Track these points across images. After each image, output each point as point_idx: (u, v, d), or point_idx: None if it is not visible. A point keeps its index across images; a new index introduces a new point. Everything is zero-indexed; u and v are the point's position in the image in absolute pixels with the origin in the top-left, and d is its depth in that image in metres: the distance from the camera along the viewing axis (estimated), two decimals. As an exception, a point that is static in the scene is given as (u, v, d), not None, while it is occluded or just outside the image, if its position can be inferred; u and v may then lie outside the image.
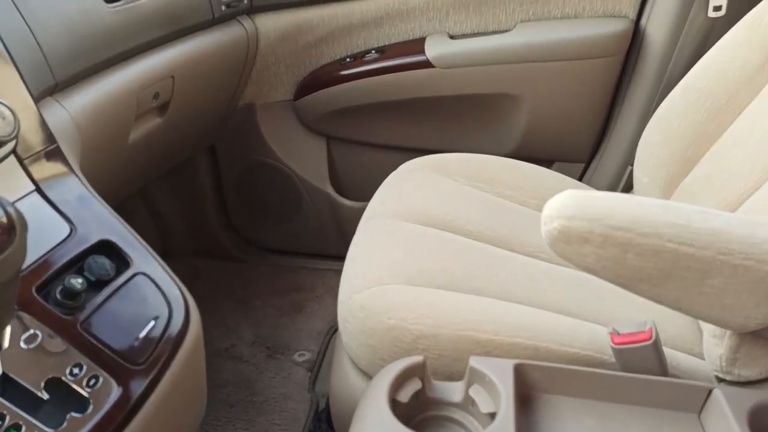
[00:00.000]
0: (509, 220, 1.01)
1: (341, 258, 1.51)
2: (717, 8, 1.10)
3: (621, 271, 0.59)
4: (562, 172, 1.34)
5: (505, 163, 1.16)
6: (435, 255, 0.88)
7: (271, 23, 1.30)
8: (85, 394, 0.52)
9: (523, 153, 1.33)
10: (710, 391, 0.62)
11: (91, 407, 0.51)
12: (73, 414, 0.50)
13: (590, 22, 1.23)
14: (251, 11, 1.27)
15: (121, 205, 1.32)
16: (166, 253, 1.60)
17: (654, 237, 0.57)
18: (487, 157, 1.18)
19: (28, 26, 0.72)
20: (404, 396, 0.63)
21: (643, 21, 1.21)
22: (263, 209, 1.53)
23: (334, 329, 1.33)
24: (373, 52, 1.32)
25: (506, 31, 1.27)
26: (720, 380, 0.69)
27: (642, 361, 0.66)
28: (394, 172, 1.14)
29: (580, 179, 1.38)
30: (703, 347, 0.73)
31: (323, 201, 1.47)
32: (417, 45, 1.29)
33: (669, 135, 1.00)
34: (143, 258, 0.66)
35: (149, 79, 0.97)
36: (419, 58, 1.27)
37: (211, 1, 1.13)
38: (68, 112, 0.78)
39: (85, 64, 0.83)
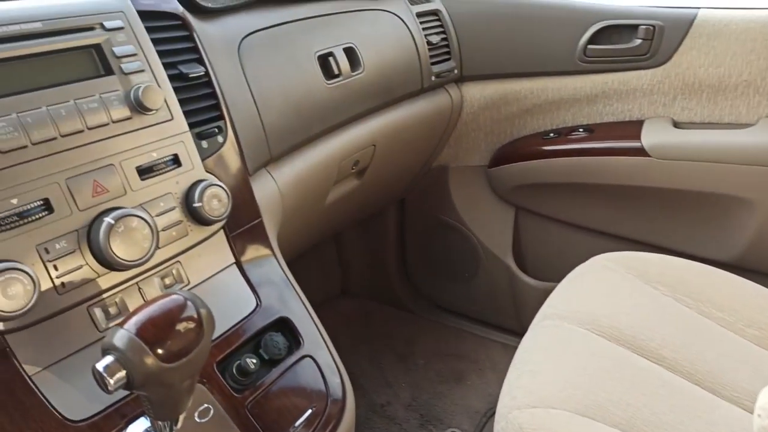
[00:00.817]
0: (716, 352, 0.86)
1: (511, 332, 1.44)
2: None
3: None
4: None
5: (722, 276, 0.99)
6: (616, 383, 0.78)
7: (477, 92, 1.29)
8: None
9: (746, 265, 1.14)
10: None
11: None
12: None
13: None
14: (460, 80, 1.28)
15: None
16: (345, 290, 1.68)
17: None
18: (699, 265, 1.02)
19: (257, 106, 0.80)
20: None
21: None
22: (440, 266, 1.53)
23: (491, 413, 1.27)
24: (581, 129, 1.23)
25: (746, 125, 1.10)
26: None
27: None
28: (584, 265, 1.05)
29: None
30: None
31: (502, 271, 1.42)
32: (632, 128, 1.18)
33: None
34: (314, 340, 0.69)
35: (352, 148, 1.02)
36: (633, 144, 1.15)
37: (422, 72, 1.15)
38: (276, 182, 0.84)
39: (299, 138, 0.89)
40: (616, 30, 1.17)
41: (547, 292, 0.97)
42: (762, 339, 0.87)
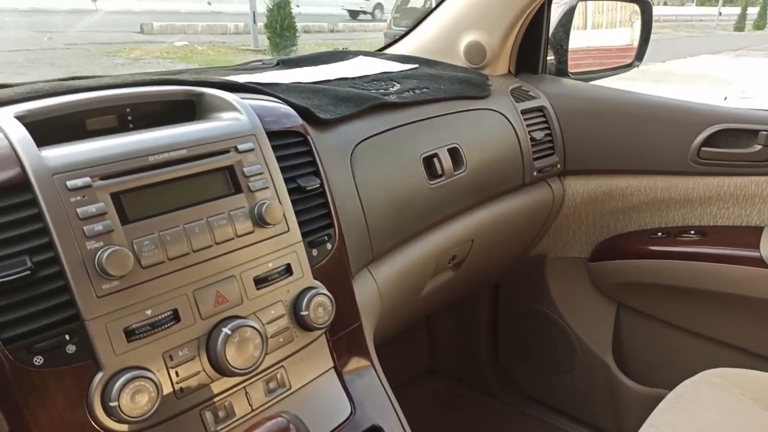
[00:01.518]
0: None
1: (606, 434, 1.34)
2: None
3: None
4: None
5: None
6: None
7: (580, 186, 1.27)
8: None
9: None
10: None
11: None
12: None
13: None
14: (562, 174, 1.27)
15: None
16: (433, 370, 1.66)
17: None
18: (826, 389, 0.92)
19: (363, 211, 0.84)
20: None
21: None
22: (534, 356, 1.49)
23: None
24: (693, 232, 1.17)
25: None
26: None
27: None
28: (693, 380, 0.98)
29: None
30: None
31: (600, 370, 1.35)
32: (750, 235, 1.10)
33: None
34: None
35: (450, 244, 1.03)
36: (751, 253, 1.08)
37: (525, 168, 1.15)
38: (376, 281, 0.87)
39: (401, 237, 0.92)
40: (734, 133, 1.12)
41: (648, 398, 0.92)
42: None
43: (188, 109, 0.75)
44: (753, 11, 23.13)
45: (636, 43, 1.47)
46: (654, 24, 1.51)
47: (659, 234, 1.22)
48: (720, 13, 24.70)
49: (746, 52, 13.33)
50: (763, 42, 15.31)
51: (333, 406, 0.70)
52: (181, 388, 0.58)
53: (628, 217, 1.27)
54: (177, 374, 0.58)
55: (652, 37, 1.51)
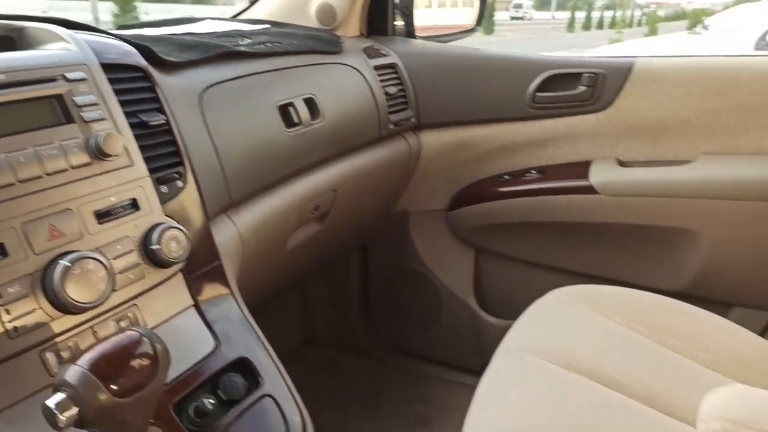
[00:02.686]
0: (670, 376, 0.88)
1: (477, 373, 1.44)
2: None
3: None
4: (742, 320, 1.16)
5: (673, 306, 1.04)
6: (576, 410, 0.79)
7: (434, 139, 1.35)
8: None
9: (694, 293, 1.19)
10: None
11: None
12: None
13: (789, 160, 1.09)
14: (417, 128, 1.33)
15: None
16: (309, 341, 1.66)
17: None
18: (651, 295, 1.06)
19: (217, 153, 0.82)
20: None
21: None
22: (405, 311, 1.54)
23: (458, 455, 1.26)
24: (533, 171, 1.29)
25: (685, 162, 1.17)
26: None
27: None
28: (541, 300, 1.08)
29: (763, 331, 1.18)
30: None
31: (464, 313, 1.44)
32: (581, 169, 1.24)
33: None
34: (274, 379, 0.69)
35: (312, 194, 1.04)
36: (582, 183, 1.21)
37: (381, 120, 1.20)
38: (236, 227, 0.85)
39: (259, 184, 0.92)
40: (562, 78, 1.24)
41: (507, 329, 0.99)
42: (712, 362, 0.90)
43: (6, 46, 0.69)
44: (581, 15, 26.17)
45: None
46: (498, 28, 1.64)
47: (506, 177, 1.32)
48: (553, 17, 27.47)
49: (577, 50, 14.88)
50: (593, 40, 17.06)
51: (195, 341, 0.67)
52: (15, 327, 0.53)
53: (479, 165, 1.36)
54: (8, 312, 0.53)
55: (497, 39, 1.63)
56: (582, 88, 1.22)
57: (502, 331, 1.26)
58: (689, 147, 1.17)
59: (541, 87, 1.25)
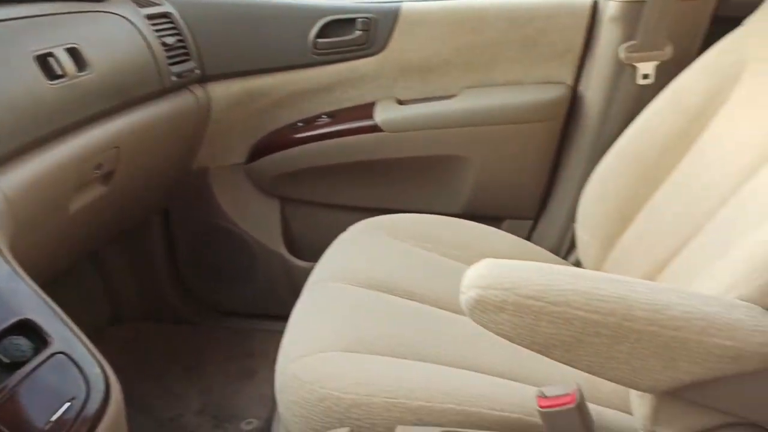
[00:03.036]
0: (452, 281, 1.01)
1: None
2: (645, 77, 1.16)
3: (535, 338, 0.60)
4: (511, 230, 1.37)
5: (453, 223, 1.18)
6: (375, 320, 0.88)
7: (222, 90, 1.34)
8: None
9: (472, 212, 1.36)
10: (632, 457, 0.62)
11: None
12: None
13: (531, 88, 1.29)
14: (203, 80, 1.31)
15: (70, 270, 1.31)
16: (117, 318, 1.57)
17: (564, 305, 0.58)
18: (435, 217, 1.20)
19: None
20: (327, 469, 0.62)
21: (580, 87, 1.28)
22: (217, 271, 1.53)
23: (284, 394, 1.31)
24: (325, 116, 1.35)
25: (452, 96, 1.32)
26: (647, 439, 0.69)
27: (567, 424, 0.66)
28: (342, 235, 1.16)
29: (528, 236, 1.41)
30: (627, 402, 0.74)
31: (277, 263, 1.47)
32: (366, 110, 1.33)
33: (606, 195, 1.04)
34: (64, 337, 0.65)
35: (91, 151, 0.98)
36: (369, 122, 1.31)
37: (161, 72, 1.15)
38: (0, 188, 0.78)
39: (23, 139, 0.84)
40: (339, 24, 1.31)
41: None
42: (486, 262, 1.06)
43: None
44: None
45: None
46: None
47: (299, 124, 1.37)
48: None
49: None
50: None
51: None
52: None
53: (272, 114, 1.38)
54: None
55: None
56: (358, 33, 1.30)
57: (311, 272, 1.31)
58: (453, 83, 1.32)
59: (321, 33, 1.31)
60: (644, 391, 0.63)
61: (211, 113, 1.34)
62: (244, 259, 1.49)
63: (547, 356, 0.62)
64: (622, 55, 1.16)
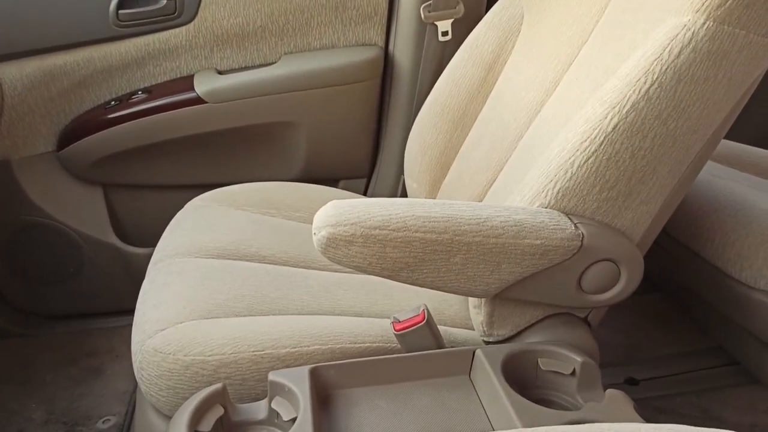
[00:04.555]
0: (300, 240, 1.06)
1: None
2: (444, 33, 1.29)
3: (384, 264, 0.67)
4: (347, 189, 1.45)
5: (291, 187, 1.22)
6: (229, 285, 0.89)
7: (15, 72, 1.20)
8: None
9: (309, 176, 1.41)
10: (474, 353, 0.73)
11: None
12: None
13: (346, 51, 1.35)
14: (-12, 60, 1.16)
15: None
16: None
17: (404, 230, 0.66)
18: (272, 183, 1.22)
19: None
20: (206, 425, 0.63)
21: (390, 48, 1.37)
22: (40, 274, 1.39)
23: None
24: (140, 93, 1.28)
25: (272, 63, 1.33)
26: (486, 343, 0.81)
27: (421, 340, 0.75)
28: (180, 212, 1.13)
29: (364, 193, 1.49)
30: (469, 317, 0.86)
31: (109, 253, 1.38)
32: (186, 82, 1.29)
33: (425, 145, 1.15)
34: None
35: None
36: (190, 95, 1.27)
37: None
38: None
39: None
40: None
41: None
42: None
43: None
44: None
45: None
46: None
47: (113, 103, 1.28)
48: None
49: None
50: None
51: None
52: None
53: (80, 95, 1.28)
54: None
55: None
56: (164, 2, 1.24)
57: (149, 257, 1.26)
58: (271, 50, 1.34)
59: (122, 4, 1.23)
60: (479, 296, 0.74)
61: (6, 98, 1.20)
62: (70, 254, 1.37)
63: (396, 279, 0.70)
64: (423, 15, 1.27)
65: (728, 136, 0.95)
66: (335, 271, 0.99)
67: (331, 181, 1.45)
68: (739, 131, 1.11)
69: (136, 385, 1.27)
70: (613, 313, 1.48)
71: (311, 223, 1.14)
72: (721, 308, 1.07)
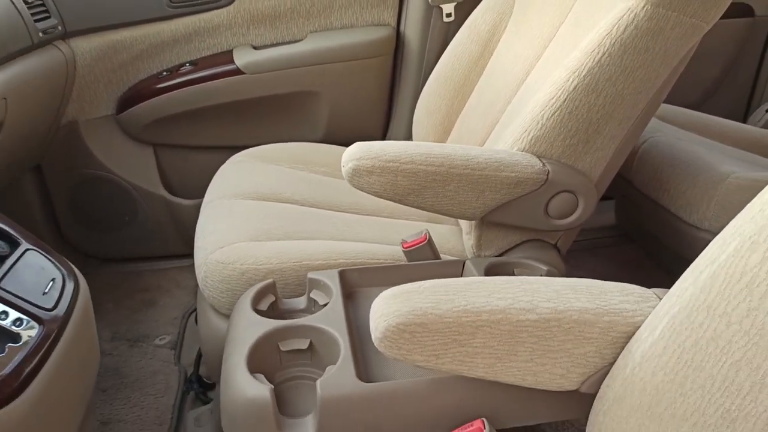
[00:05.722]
0: (325, 189, 1.28)
1: (182, 256, 1.66)
2: (448, 15, 1.49)
3: (396, 190, 0.89)
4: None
5: (316, 147, 1.44)
6: (270, 218, 1.11)
7: (85, 45, 1.42)
8: (15, 330, 0.66)
9: (330, 138, 1.62)
10: (464, 263, 0.94)
11: (21, 340, 0.66)
12: (10, 344, 0.64)
13: (363, 30, 1.56)
14: (66, 36, 1.38)
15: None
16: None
17: (411, 163, 0.87)
18: (301, 143, 1.44)
19: None
20: (264, 305, 0.85)
21: (401, 27, 1.57)
22: (99, 221, 1.62)
23: (189, 312, 1.48)
24: (187, 65, 1.50)
25: (299, 40, 1.54)
26: (475, 261, 1.03)
27: (423, 255, 0.96)
28: (223, 166, 1.35)
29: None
30: (464, 249, 1.07)
31: (158, 204, 1.61)
32: (226, 56, 1.50)
33: (430, 111, 1.35)
34: (27, 238, 0.80)
35: None
36: (230, 66, 1.48)
37: (29, 28, 1.22)
38: None
39: None
40: None
41: (201, 207, 1.23)
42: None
43: None
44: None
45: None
46: None
47: (164, 73, 1.50)
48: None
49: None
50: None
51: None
52: None
53: (136, 66, 1.50)
54: None
55: None
56: None
57: (197, 208, 1.49)
58: (299, 29, 1.55)
59: None
60: (468, 218, 0.95)
61: (77, 68, 1.42)
62: (124, 205, 1.60)
63: (404, 203, 0.91)
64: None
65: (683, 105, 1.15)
66: (354, 213, 1.21)
67: (349, 143, 1.65)
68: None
69: (185, 312, 1.50)
70: (594, 259, 1.69)
71: (333, 177, 1.37)
72: (677, 249, 1.28)
